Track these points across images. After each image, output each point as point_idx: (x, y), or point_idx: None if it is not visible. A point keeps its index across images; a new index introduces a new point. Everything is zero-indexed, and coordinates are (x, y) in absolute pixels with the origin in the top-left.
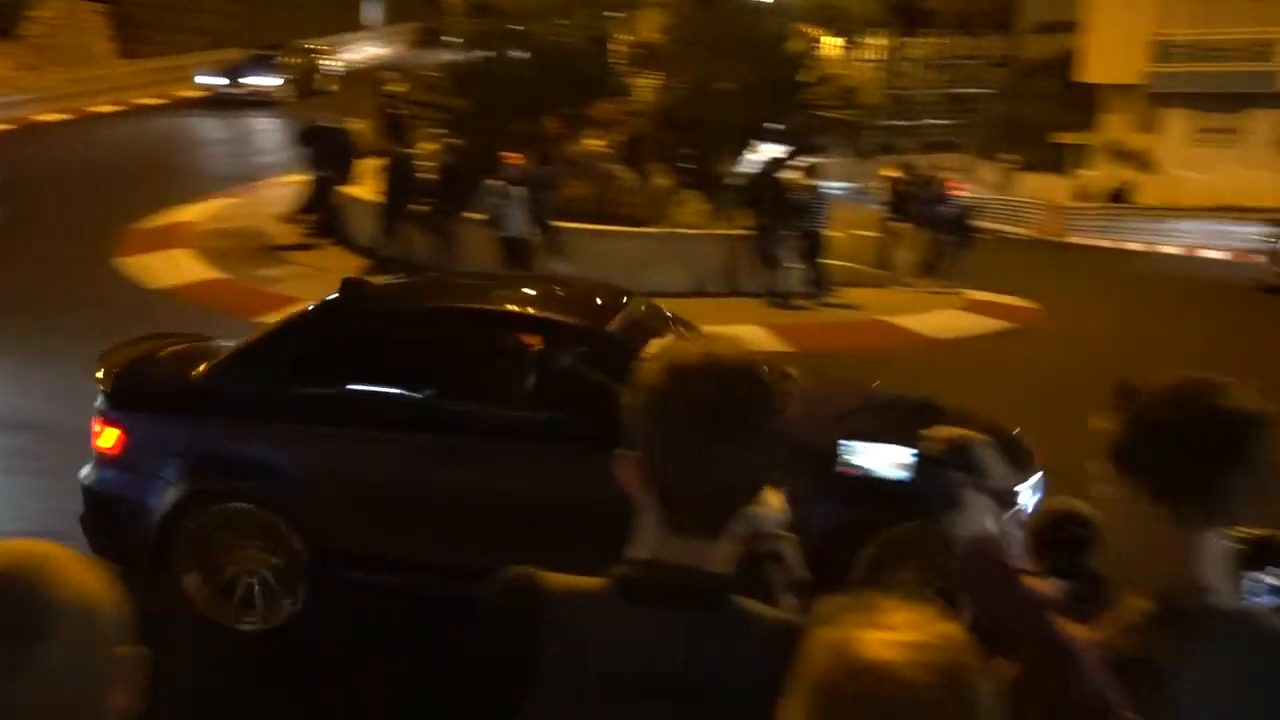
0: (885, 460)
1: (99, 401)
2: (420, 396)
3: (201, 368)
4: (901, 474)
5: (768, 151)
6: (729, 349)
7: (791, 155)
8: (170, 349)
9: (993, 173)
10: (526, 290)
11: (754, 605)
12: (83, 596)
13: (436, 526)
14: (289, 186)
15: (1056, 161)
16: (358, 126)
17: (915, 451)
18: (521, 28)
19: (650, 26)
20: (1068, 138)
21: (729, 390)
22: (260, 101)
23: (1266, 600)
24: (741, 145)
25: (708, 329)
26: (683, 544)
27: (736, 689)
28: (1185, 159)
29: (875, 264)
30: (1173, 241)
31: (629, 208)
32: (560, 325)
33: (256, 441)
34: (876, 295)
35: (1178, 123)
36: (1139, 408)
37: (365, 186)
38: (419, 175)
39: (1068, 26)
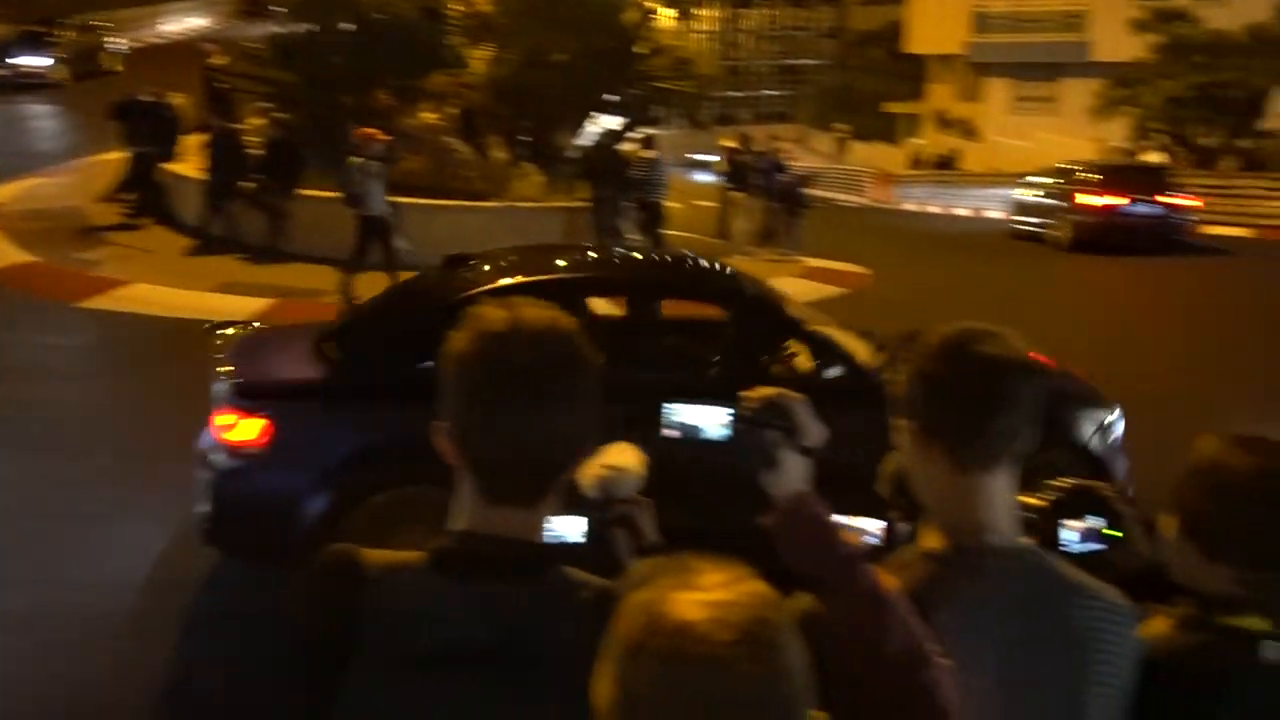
0: (708, 420)
1: (226, 390)
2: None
3: (361, 347)
4: (724, 433)
5: (605, 123)
6: (536, 313)
7: (628, 127)
8: (293, 331)
9: (826, 142)
10: (658, 257)
11: (575, 574)
12: None
13: None
14: (103, 165)
15: (888, 130)
16: (178, 100)
17: (733, 411)
18: None
19: None
20: (897, 107)
21: (533, 355)
22: (33, 84)
23: (1085, 547)
24: (579, 117)
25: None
26: (499, 514)
27: (555, 657)
28: (1006, 127)
29: (714, 234)
30: (996, 206)
31: (466, 181)
32: (726, 290)
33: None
34: None
35: (998, 92)
36: (916, 360)
37: (190, 163)
38: (246, 151)
39: None
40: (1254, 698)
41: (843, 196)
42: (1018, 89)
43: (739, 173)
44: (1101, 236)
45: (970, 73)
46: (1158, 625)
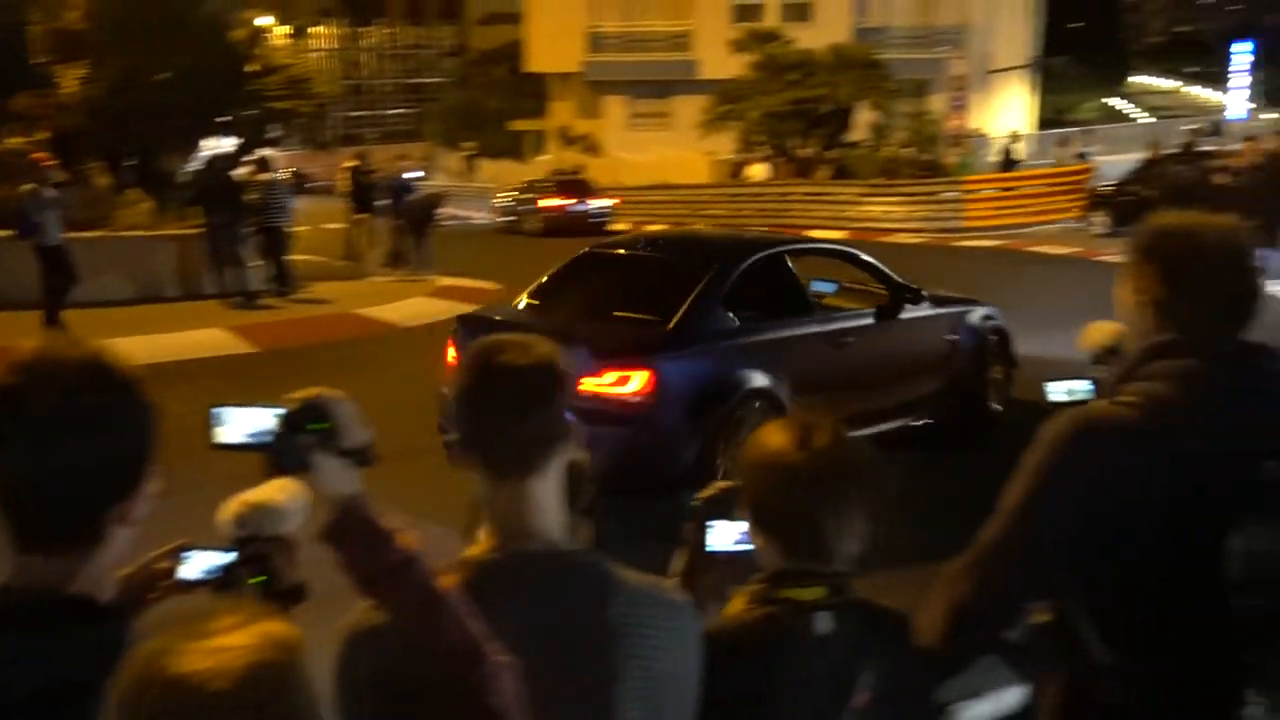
0: (257, 422)
1: (581, 355)
2: (808, 305)
3: (685, 307)
4: (271, 435)
5: (220, 145)
6: (72, 346)
7: (244, 148)
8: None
9: (455, 160)
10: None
11: (127, 625)
12: None
13: (836, 385)
14: None
15: (515, 148)
16: None
17: (278, 412)
18: None
19: (72, 9)
20: (522, 124)
21: (42, 383)
22: None
23: (735, 548)
24: (189, 140)
25: (162, 337)
26: (32, 562)
27: (78, 713)
28: (624, 142)
29: (344, 257)
30: (622, 217)
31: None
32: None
33: (753, 357)
34: (347, 288)
35: (616, 109)
36: (453, 375)
37: None
38: None
39: (513, 18)
40: (805, 665)
41: (475, 214)
42: (634, 106)
43: (362, 193)
44: (558, 225)
45: (589, 90)
46: (734, 605)
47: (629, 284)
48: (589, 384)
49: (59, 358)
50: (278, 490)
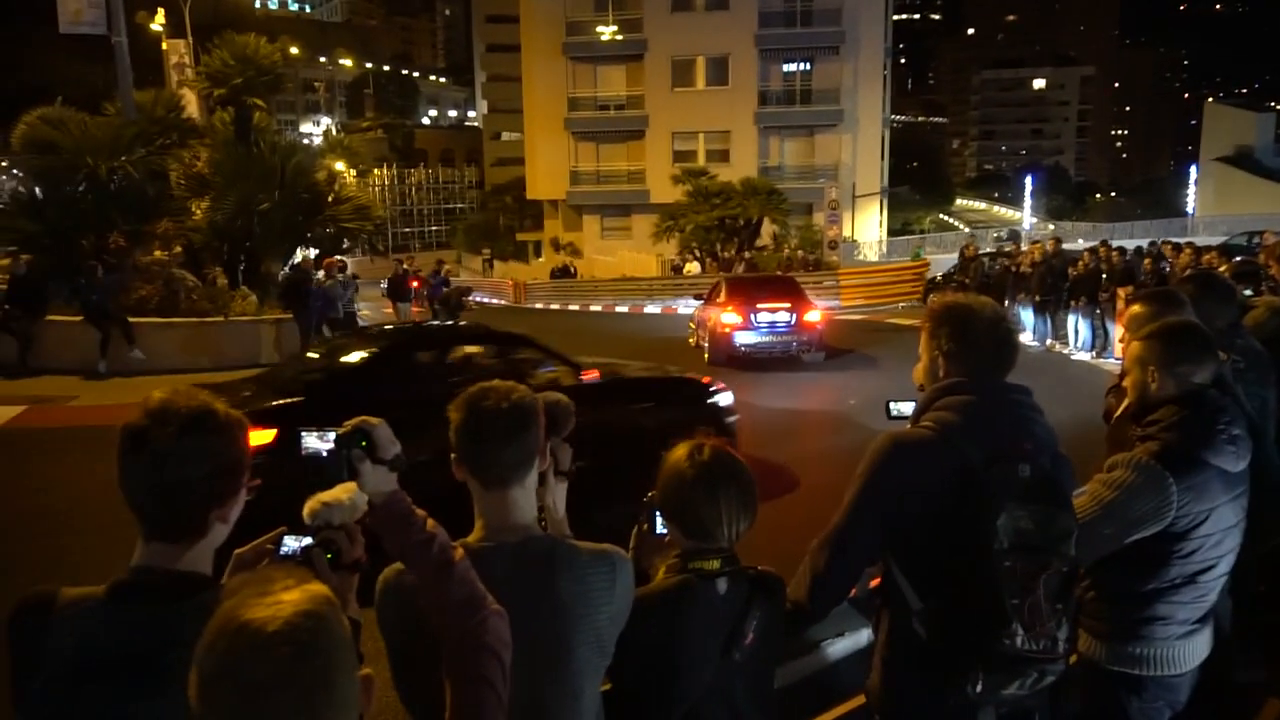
0: (325, 442)
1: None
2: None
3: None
4: (329, 450)
5: (305, 253)
6: (186, 396)
7: (321, 256)
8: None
9: (477, 262)
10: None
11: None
12: None
13: None
14: None
15: (521, 252)
16: None
17: (335, 434)
18: (86, 163)
19: (200, 161)
20: (525, 236)
21: (160, 421)
22: None
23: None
24: (285, 250)
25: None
26: (157, 549)
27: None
28: (599, 248)
29: None
30: (597, 301)
31: (192, 303)
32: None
33: None
34: None
35: (592, 224)
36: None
37: None
38: None
39: (518, 161)
40: (710, 616)
41: (491, 300)
42: (604, 222)
43: (395, 287)
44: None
45: (572, 212)
46: (658, 573)
47: (770, 286)
48: (807, 318)
49: (176, 405)
50: (342, 491)
